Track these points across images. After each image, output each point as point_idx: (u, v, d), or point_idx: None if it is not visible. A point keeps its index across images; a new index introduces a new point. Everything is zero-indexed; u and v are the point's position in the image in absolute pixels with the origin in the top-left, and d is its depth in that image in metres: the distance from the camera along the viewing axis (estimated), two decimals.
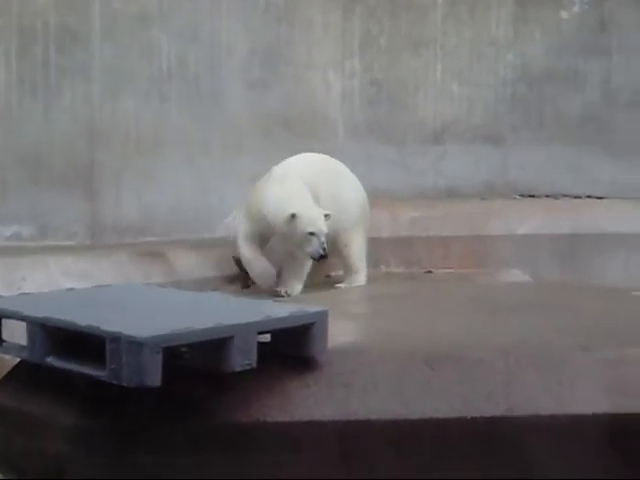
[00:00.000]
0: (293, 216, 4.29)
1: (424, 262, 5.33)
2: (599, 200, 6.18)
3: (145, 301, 2.72)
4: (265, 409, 2.34)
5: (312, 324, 2.41)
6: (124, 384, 2.12)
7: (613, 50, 6.48)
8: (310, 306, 2.47)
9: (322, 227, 4.30)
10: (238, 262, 4.67)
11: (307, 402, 2.36)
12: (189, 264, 4.58)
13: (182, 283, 4.31)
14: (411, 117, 6.18)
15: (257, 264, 4.54)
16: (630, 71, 6.50)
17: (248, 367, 2.25)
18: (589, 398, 2.44)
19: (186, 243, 4.96)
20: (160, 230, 5.16)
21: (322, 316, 2.43)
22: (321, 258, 4.29)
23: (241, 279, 4.69)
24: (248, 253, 4.54)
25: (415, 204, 5.73)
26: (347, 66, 6.16)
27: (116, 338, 2.13)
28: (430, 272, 5.31)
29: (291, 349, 2.43)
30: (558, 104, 6.46)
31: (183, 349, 2.32)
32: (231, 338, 2.23)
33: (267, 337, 2.41)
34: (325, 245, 4.27)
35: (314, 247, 4.28)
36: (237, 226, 4.73)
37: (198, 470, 2.31)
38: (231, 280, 4.66)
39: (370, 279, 4.69)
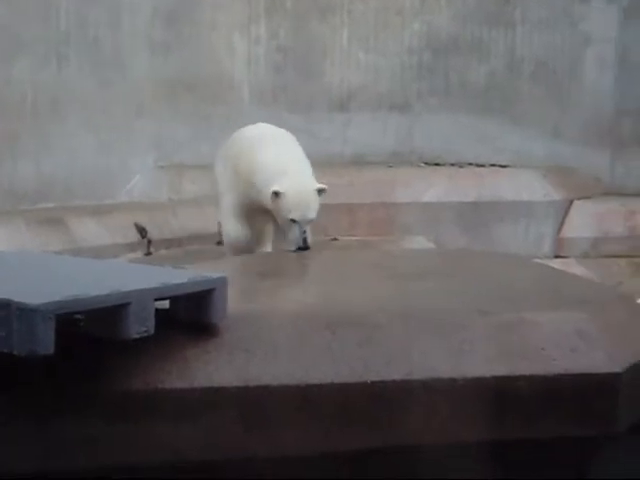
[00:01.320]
0: (276, 194, 3.76)
1: (330, 230, 5.34)
2: (503, 168, 6.29)
3: (39, 268, 2.64)
4: (163, 376, 2.30)
5: (212, 290, 2.37)
6: (15, 352, 2.05)
7: (517, 21, 6.57)
8: (209, 272, 2.43)
9: (307, 214, 3.76)
10: (140, 229, 4.58)
11: (207, 368, 2.33)
12: (89, 231, 4.47)
13: (82, 251, 4.21)
14: (318, 84, 6.15)
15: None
16: (533, 42, 6.61)
17: (145, 334, 2.21)
18: (488, 361, 2.48)
19: (86, 209, 4.85)
20: (59, 196, 5.02)
21: (222, 282, 2.39)
22: (299, 250, 3.72)
23: (143, 246, 4.61)
24: (238, 233, 4.14)
25: (322, 171, 5.70)
26: (253, 30, 6.08)
27: (5, 305, 2.05)
28: (335, 239, 5.33)
29: (191, 316, 2.40)
30: (464, 73, 6.53)
31: (78, 316, 2.26)
32: (127, 305, 2.18)
33: (166, 304, 2.37)
34: (307, 235, 3.74)
35: (293, 236, 3.75)
36: (219, 196, 4.31)
37: (94, 439, 2.26)
38: (133, 247, 4.57)
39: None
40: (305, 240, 3.72)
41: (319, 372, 2.36)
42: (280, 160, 3.90)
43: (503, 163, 6.36)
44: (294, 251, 3.71)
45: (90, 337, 2.26)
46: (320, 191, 3.83)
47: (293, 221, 3.73)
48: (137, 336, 2.19)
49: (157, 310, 2.25)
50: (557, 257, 5.84)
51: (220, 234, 4.98)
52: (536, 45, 6.61)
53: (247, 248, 4.13)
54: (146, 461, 2.27)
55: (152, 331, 2.22)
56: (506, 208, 5.86)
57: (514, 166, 6.31)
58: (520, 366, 2.47)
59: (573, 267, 5.55)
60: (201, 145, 5.85)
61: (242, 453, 2.31)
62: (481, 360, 2.47)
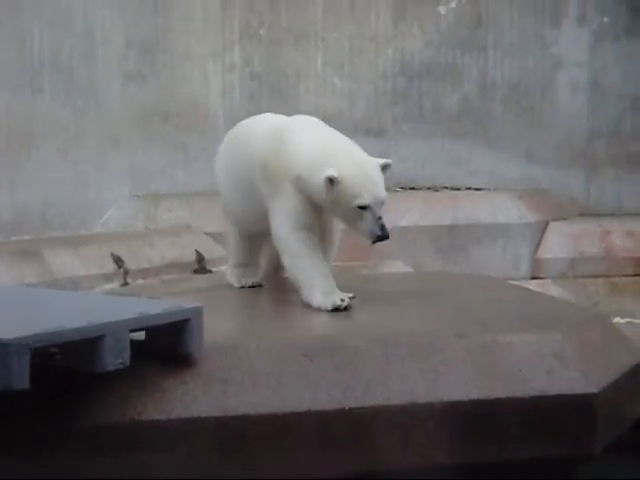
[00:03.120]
0: (331, 181, 2.94)
1: None
2: (478, 191, 6.33)
3: (13, 301, 2.62)
4: (140, 407, 2.29)
5: (187, 320, 2.37)
6: None
7: (489, 45, 6.65)
8: (185, 302, 2.43)
9: (378, 194, 2.96)
10: (116, 259, 4.56)
11: (184, 399, 2.33)
12: (65, 262, 4.43)
13: (58, 282, 4.17)
14: (293, 110, 6.14)
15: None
16: (505, 66, 6.68)
17: (121, 366, 2.20)
18: (464, 384, 2.49)
19: (62, 240, 4.81)
20: (34, 227, 4.99)
21: (197, 312, 2.39)
22: (379, 240, 2.97)
23: (120, 276, 4.59)
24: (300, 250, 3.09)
25: None
26: (227, 58, 6.10)
27: None
28: None
29: (167, 346, 2.39)
30: (437, 98, 6.59)
31: (53, 349, 2.24)
32: (102, 337, 2.18)
33: (141, 335, 2.36)
34: (383, 222, 2.96)
35: (367, 226, 2.95)
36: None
37: (72, 472, 2.24)
38: (109, 278, 4.55)
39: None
40: (384, 227, 2.95)
41: (297, 400, 2.36)
42: (323, 140, 3.10)
43: (478, 186, 6.40)
44: (373, 243, 2.99)
45: (66, 370, 2.24)
46: (385, 167, 3.06)
47: (362, 208, 2.94)
48: (113, 368, 2.19)
49: (133, 341, 2.25)
50: (534, 278, 5.87)
51: (199, 262, 4.97)
52: (508, 69, 6.68)
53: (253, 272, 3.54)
54: None
55: (128, 363, 2.21)
56: (482, 231, 5.89)
57: (489, 189, 6.35)
58: (496, 388, 2.48)
59: (550, 288, 5.58)
60: (176, 174, 5.86)
61: None
62: (458, 383, 2.48)
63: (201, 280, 4.60)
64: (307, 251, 3.05)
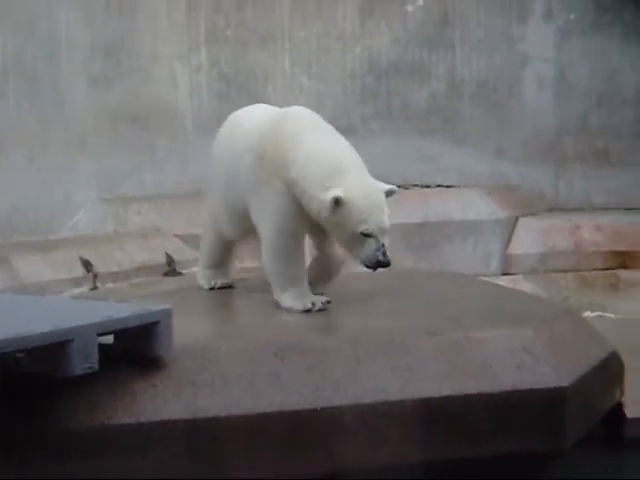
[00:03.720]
0: (337, 202, 2.81)
1: None
2: (448, 188, 6.35)
3: None
4: (110, 412, 2.27)
5: (156, 323, 2.35)
6: None
7: (456, 43, 6.66)
8: (153, 304, 2.41)
9: (382, 222, 2.85)
10: (85, 263, 4.52)
11: (154, 402, 2.31)
12: (33, 267, 4.39)
13: (26, 287, 4.13)
14: None
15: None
16: (473, 63, 6.70)
17: (90, 370, 2.18)
18: (436, 381, 2.49)
19: (30, 245, 4.76)
20: (1, 233, 4.94)
21: (166, 314, 2.37)
22: (380, 266, 2.88)
23: (89, 280, 4.55)
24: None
25: None
26: (194, 59, 6.08)
27: None
28: None
29: (136, 349, 2.37)
30: (406, 95, 6.60)
31: (19, 355, 2.22)
32: (70, 341, 2.15)
33: (110, 338, 2.34)
34: (385, 249, 2.86)
35: (368, 252, 2.85)
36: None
37: (44, 477, 2.22)
38: (78, 282, 4.51)
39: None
40: (385, 253, 2.84)
41: (268, 401, 2.35)
42: (330, 150, 2.91)
43: (447, 183, 6.42)
44: (373, 269, 2.89)
45: (33, 376, 2.22)
46: (389, 193, 2.94)
47: (365, 235, 2.85)
48: (81, 372, 2.16)
49: (101, 345, 2.22)
50: (505, 274, 5.89)
51: (169, 264, 4.94)
52: (476, 66, 6.71)
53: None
54: None
55: (97, 367, 2.19)
56: (453, 228, 5.91)
57: (459, 186, 6.37)
58: (468, 385, 2.48)
59: (520, 283, 5.60)
60: (145, 176, 5.82)
61: None
62: (429, 380, 2.48)
63: (171, 283, 4.57)
64: (287, 254, 2.98)
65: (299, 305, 2.95)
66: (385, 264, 2.86)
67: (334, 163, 2.86)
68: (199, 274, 3.54)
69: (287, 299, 2.99)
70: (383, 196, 2.89)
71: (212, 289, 3.44)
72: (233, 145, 3.18)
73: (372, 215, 2.82)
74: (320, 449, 2.36)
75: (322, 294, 3.06)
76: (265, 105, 3.33)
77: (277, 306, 3.00)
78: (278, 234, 2.98)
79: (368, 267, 2.90)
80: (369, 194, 2.85)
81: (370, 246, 2.84)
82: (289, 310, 2.97)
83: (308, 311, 2.94)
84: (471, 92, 6.70)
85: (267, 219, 2.99)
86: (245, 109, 3.35)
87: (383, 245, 2.85)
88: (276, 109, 3.23)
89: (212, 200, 3.38)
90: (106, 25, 5.65)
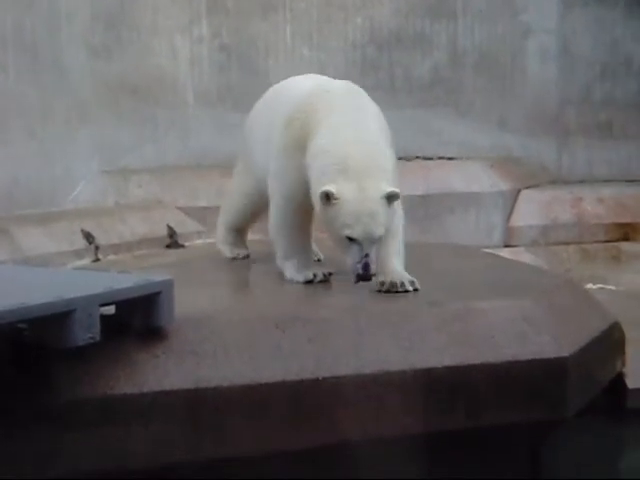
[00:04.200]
0: (327, 196, 2.72)
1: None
2: (450, 161, 6.32)
3: None
4: (112, 382, 2.28)
5: (158, 293, 2.35)
6: None
7: (459, 13, 6.61)
8: (155, 275, 2.41)
9: (371, 231, 2.71)
10: (87, 235, 4.52)
11: (156, 372, 2.32)
12: (35, 240, 4.38)
13: (28, 260, 4.13)
14: (262, 82, 6.11)
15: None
16: (475, 34, 6.65)
17: (92, 341, 2.19)
18: (438, 352, 2.49)
19: (31, 218, 4.75)
20: (3, 206, 4.92)
21: (168, 285, 2.37)
22: (360, 280, 2.72)
23: (91, 252, 4.55)
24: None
25: None
26: (195, 31, 6.03)
27: None
28: None
29: (138, 320, 2.38)
30: (407, 67, 6.55)
31: (21, 325, 2.22)
32: (72, 312, 2.16)
33: (112, 309, 2.34)
34: (370, 260, 2.70)
35: (350, 260, 2.74)
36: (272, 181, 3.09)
37: (46, 447, 2.23)
38: (80, 254, 4.50)
39: None
40: (367, 266, 2.68)
41: (270, 371, 2.36)
42: (343, 145, 2.79)
43: (450, 155, 6.39)
44: (355, 281, 2.72)
45: (35, 346, 2.22)
46: (390, 197, 2.77)
47: (350, 239, 2.72)
48: (83, 343, 2.17)
49: (103, 316, 2.23)
50: (507, 246, 5.88)
51: (170, 236, 4.92)
52: (478, 37, 6.65)
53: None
54: (98, 469, 2.24)
55: (98, 337, 2.20)
56: (455, 200, 5.89)
57: (461, 158, 6.35)
58: (469, 355, 2.49)
59: (522, 255, 5.60)
60: (146, 148, 5.79)
61: (194, 455, 2.29)
62: (431, 351, 2.49)
63: (173, 255, 4.57)
64: (292, 221, 2.96)
65: (300, 276, 2.97)
66: (364, 278, 2.70)
67: (339, 159, 2.76)
68: (219, 237, 3.65)
69: (289, 269, 3.01)
70: (380, 204, 2.73)
71: (234, 259, 3.56)
72: (276, 109, 3.14)
73: (360, 221, 2.69)
74: (321, 419, 2.37)
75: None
76: (316, 76, 3.31)
77: (279, 277, 3.00)
78: (285, 204, 2.97)
79: (351, 277, 2.75)
80: (363, 199, 2.71)
81: (353, 254, 2.71)
82: (290, 281, 2.98)
83: (310, 282, 2.94)
84: (473, 63, 6.65)
85: (277, 188, 3.01)
86: (297, 77, 3.36)
87: (367, 255, 2.69)
88: (324, 81, 3.18)
89: (252, 160, 3.37)
90: None
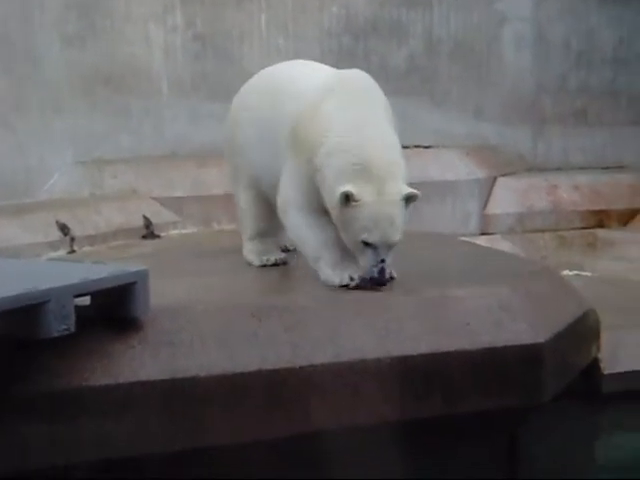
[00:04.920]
0: (347, 198, 2.62)
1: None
2: (426, 149, 6.33)
3: None
4: (87, 373, 2.27)
5: (133, 284, 2.33)
6: None
7: (434, 1, 6.61)
8: (130, 265, 2.39)
9: (388, 236, 2.63)
10: (62, 226, 4.49)
11: (132, 363, 2.31)
12: (9, 231, 4.35)
13: (2, 251, 4.09)
14: (237, 71, 6.09)
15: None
16: (450, 22, 6.66)
17: (66, 332, 2.17)
18: (414, 339, 2.50)
19: (5, 209, 4.72)
20: None
21: (143, 275, 2.36)
22: (374, 284, 2.64)
23: (66, 244, 4.52)
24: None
25: None
26: (169, 20, 5.99)
27: None
28: None
29: (113, 310, 2.36)
30: (383, 55, 6.54)
31: None
32: (46, 303, 2.14)
33: (86, 300, 2.32)
34: (385, 266, 2.63)
35: (364, 263, 2.65)
36: (283, 187, 2.91)
37: (20, 440, 2.21)
38: (55, 246, 4.47)
39: (201, 236, 4.62)
40: (383, 271, 2.61)
41: (246, 360, 2.35)
42: (360, 146, 2.67)
43: (426, 144, 6.39)
44: (369, 286, 2.64)
45: (9, 338, 2.20)
46: (409, 199, 2.71)
47: (366, 244, 2.64)
48: (58, 334, 2.15)
49: (78, 307, 2.21)
50: (483, 234, 5.90)
51: (147, 227, 4.89)
52: (453, 25, 6.65)
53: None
54: (73, 461, 2.23)
55: (73, 329, 2.18)
56: (431, 188, 5.89)
57: (437, 146, 6.35)
58: (445, 342, 2.50)
59: (499, 243, 5.62)
60: (120, 138, 5.75)
61: (171, 446, 2.28)
62: (407, 339, 2.49)
63: (149, 245, 4.55)
64: (307, 223, 2.80)
65: (336, 279, 2.73)
66: (379, 282, 2.62)
67: (359, 159, 2.64)
68: (246, 248, 3.26)
69: (323, 269, 2.77)
70: (399, 207, 2.65)
71: (264, 267, 3.16)
72: (281, 102, 2.97)
73: (378, 226, 2.59)
74: (298, 407, 2.37)
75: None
76: (316, 64, 3.13)
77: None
78: (296, 210, 2.83)
79: (364, 282, 2.66)
80: (383, 203, 2.61)
81: (368, 258, 2.62)
82: (325, 283, 2.75)
83: (345, 286, 2.70)
84: (449, 51, 6.66)
85: (286, 196, 2.85)
86: (291, 64, 3.19)
87: (383, 261, 2.61)
88: (331, 73, 2.99)
89: (245, 160, 3.19)
90: None
